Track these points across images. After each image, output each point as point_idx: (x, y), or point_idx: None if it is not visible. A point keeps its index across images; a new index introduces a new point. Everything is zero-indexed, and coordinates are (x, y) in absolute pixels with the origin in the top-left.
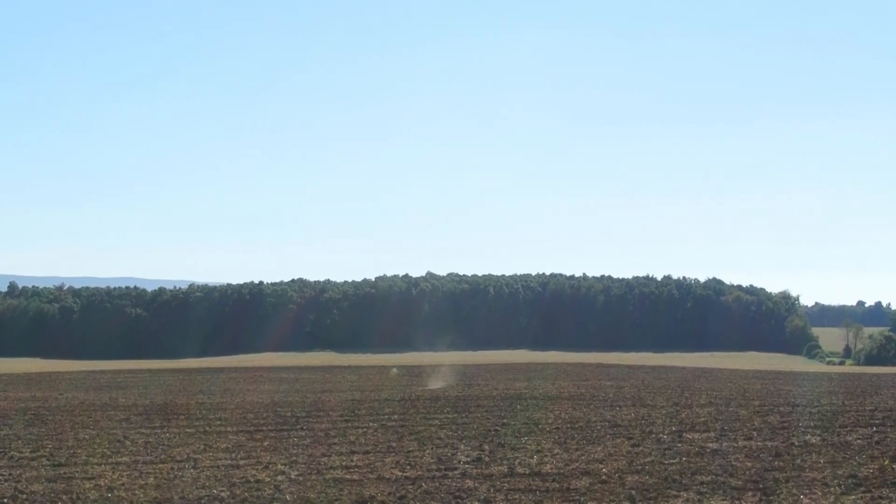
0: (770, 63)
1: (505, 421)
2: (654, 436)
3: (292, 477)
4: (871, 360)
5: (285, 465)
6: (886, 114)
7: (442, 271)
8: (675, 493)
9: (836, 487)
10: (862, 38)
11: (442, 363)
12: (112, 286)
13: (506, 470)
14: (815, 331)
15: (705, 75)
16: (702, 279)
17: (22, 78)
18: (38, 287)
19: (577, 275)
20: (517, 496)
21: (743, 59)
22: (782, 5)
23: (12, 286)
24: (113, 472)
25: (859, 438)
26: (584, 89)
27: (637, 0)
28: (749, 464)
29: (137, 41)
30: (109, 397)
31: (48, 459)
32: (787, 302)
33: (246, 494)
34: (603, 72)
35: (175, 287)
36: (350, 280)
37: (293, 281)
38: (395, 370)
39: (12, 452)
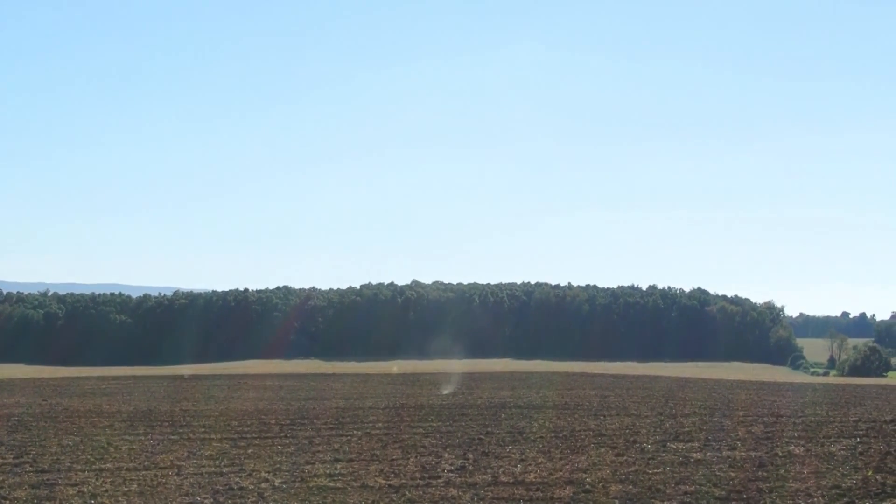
0: (757, 78)
1: (489, 430)
2: (638, 445)
3: (276, 485)
4: (855, 370)
5: (269, 472)
6: (870, 128)
7: (427, 280)
8: (659, 502)
9: (820, 498)
10: (849, 58)
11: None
12: (97, 293)
13: (490, 479)
14: (800, 341)
15: (693, 89)
16: (687, 289)
17: (7, 86)
18: (22, 293)
19: (562, 284)
20: None
21: (731, 74)
22: (771, 22)
23: None
24: (96, 479)
25: (843, 449)
26: (572, 102)
27: (628, 15)
28: (733, 474)
29: (121, 50)
30: (93, 404)
31: (32, 466)
32: (771, 312)
33: (230, 502)
34: (591, 84)
35: (160, 294)
36: (335, 288)
37: (278, 288)
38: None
39: None
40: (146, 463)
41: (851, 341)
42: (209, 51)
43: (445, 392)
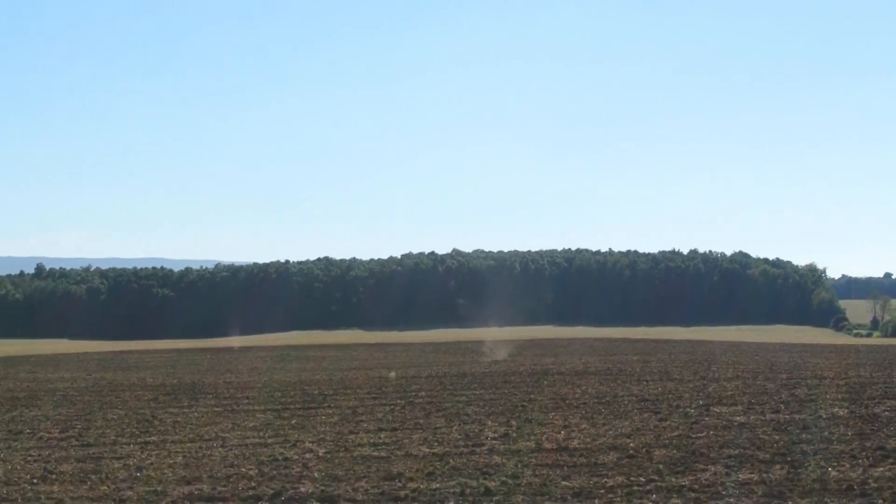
0: (800, 27)
1: (532, 396)
2: (681, 410)
3: (320, 455)
4: None
5: (313, 442)
6: None
7: (468, 248)
8: (702, 466)
9: (864, 460)
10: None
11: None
12: (139, 267)
13: (533, 445)
14: (842, 303)
15: (732, 40)
16: (728, 252)
17: (45, 64)
18: (65, 269)
19: (602, 250)
20: (544, 471)
21: (772, 25)
22: None
23: (39, 268)
24: (142, 452)
25: (887, 410)
26: (607, 63)
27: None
28: (777, 437)
29: (147, 25)
30: (137, 377)
31: (77, 440)
32: (813, 274)
33: (274, 472)
34: (626, 52)
35: (201, 267)
36: (376, 258)
37: (319, 259)
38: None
39: (41, 433)
40: (191, 435)
41: (895, 302)
42: (254, 32)
43: (496, 358)
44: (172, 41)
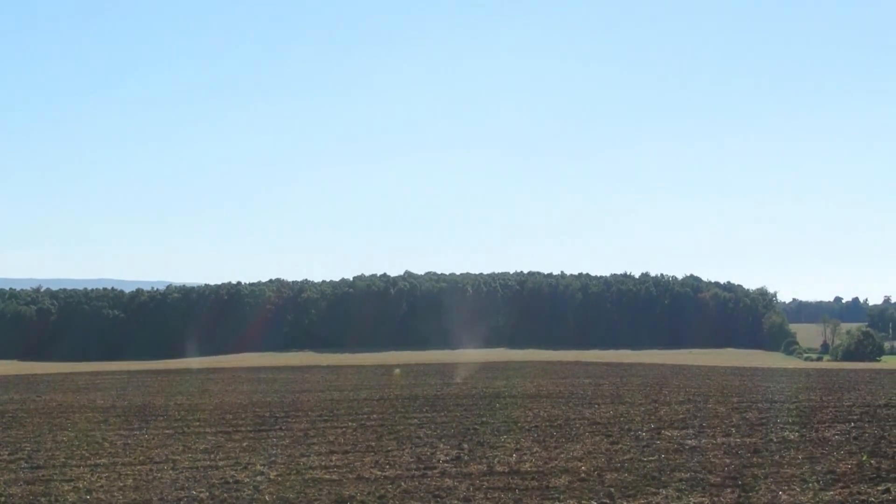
0: (745, 60)
1: (484, 419)
2: (632, 433)
3: (271, 477)
4: (848, 355)
5: (264, 465)
6: (860, 109)
7: (420, 270)
8: (653, 490)
9: (815, 483)
10: (835, 49)
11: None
12: (89, 287)
13: (485, 468)
14: (793, 327)
15: (683, 80)
16: (679, 276)
17: None
18: (15, 289)
19: (554, 273)
20: (496, 494)
21: (720, 62)
22: (763, 20)
23: None
24: (91, 475)
25: (837, 434)
26: (563, 90)
27: (622, 6)
28: (727, 460)
29: (113, 46)
30: (87, 399)
31: (26, 462)
32: (764, 298)
33: (225, 495)
34: (581, 73)
35: (152, 288)
36: (328, 280)
37: (271, 281)
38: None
39: None
40: (141, 458)
41: (845, 326)
42: (200, 47)
43: (455, 381)
44: (113, 60)
